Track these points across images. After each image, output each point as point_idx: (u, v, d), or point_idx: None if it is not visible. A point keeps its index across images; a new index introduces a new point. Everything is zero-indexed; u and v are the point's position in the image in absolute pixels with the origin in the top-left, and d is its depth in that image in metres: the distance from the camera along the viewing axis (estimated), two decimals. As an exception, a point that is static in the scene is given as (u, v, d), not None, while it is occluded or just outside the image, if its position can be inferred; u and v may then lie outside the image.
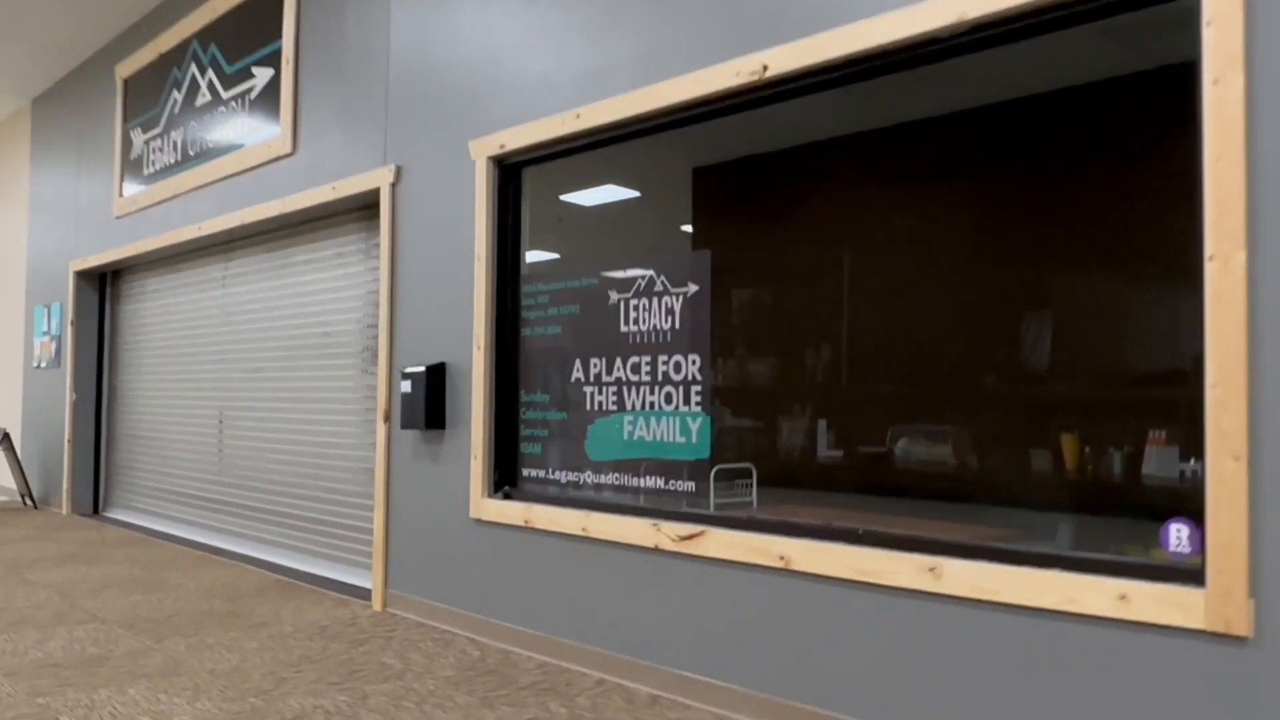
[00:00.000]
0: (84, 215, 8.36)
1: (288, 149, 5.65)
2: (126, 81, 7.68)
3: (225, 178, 6.31)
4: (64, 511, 8.40)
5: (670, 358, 3.61)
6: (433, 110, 4.64)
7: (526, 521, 4.03)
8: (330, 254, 5.79)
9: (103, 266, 8.11)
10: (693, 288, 3.56)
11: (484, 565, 4.26)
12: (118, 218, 7.77)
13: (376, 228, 5.41)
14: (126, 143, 7.64)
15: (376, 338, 5.38)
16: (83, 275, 8.46)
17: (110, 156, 7.96)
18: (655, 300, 3.68)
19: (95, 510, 8.51)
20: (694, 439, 3.53)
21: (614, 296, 3.83)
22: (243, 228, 6.20)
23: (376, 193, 5.07)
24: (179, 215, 6.88)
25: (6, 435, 8.57)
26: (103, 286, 8.56)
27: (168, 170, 7.01)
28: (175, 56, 6.98)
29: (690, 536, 3.39)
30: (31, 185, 9.56)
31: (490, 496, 4.26)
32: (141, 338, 7.99)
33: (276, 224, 6.06)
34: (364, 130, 5.09)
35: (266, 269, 6.39)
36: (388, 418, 4.83)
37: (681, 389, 3.57)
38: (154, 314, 7.80)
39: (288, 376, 6.13)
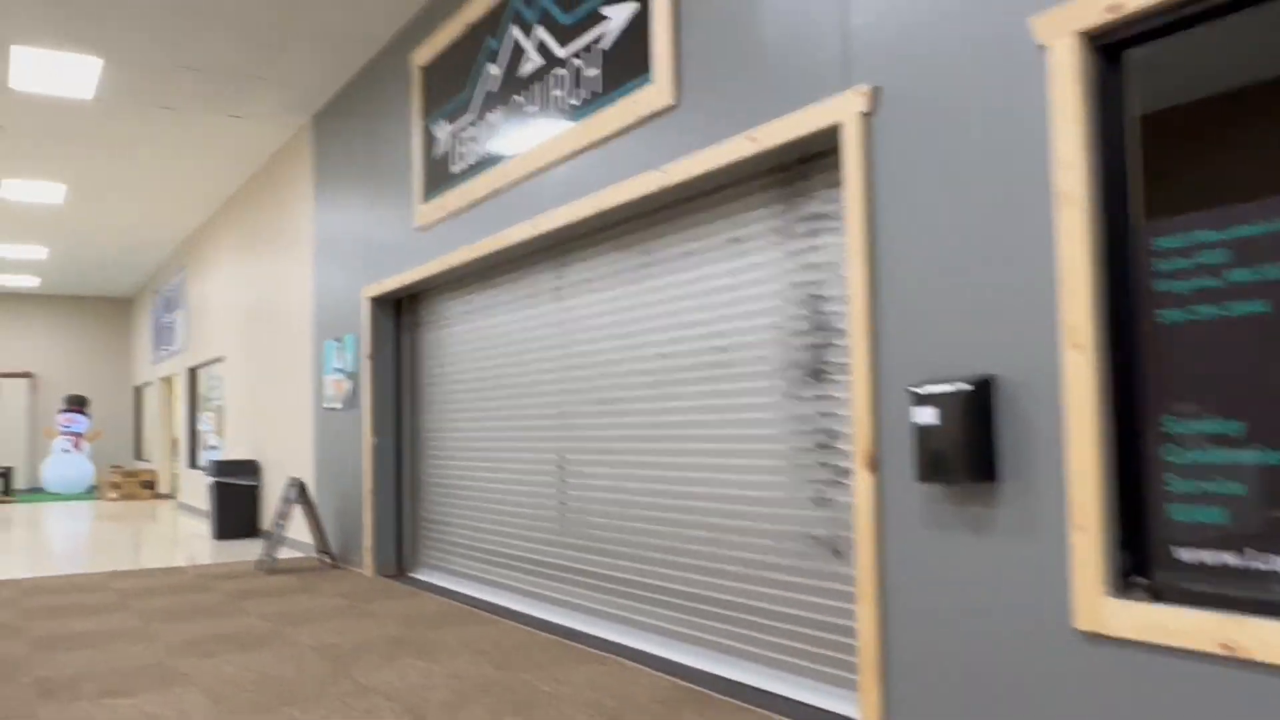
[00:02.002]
0: (378, 233, 7.32)
1: (667, 101, 4.18)
2: (425, 69, 6.55)
3: (567, 157, 4.95)
4: (367, 572, 7.34)
5: None
6: (941, -12, 3.01)
7: (1227, 646, 2.28)
8: (722, 239, 4.28)
9: (404, 289, 7.01)
10: None
11: (1111, 713, 2.53)
12: (420, 229, 6.63)
13: (808, 191, 3.84)
14: (428, 140, 6.50)
15: (815, 347, 3.79)
16: (378, 302, 7.41)
17: (408, 160, 6.85)
18: None
19: (399, 570, 7.40)
20: None
21: None
22: (596, 218, 4.80)
23: (827, 135, 3.49)
24: (501, 215, 5.60)
25: (303, 486, 7.62)
26: (397, 314, 7.50)
27: (484, 163, 5.76)
28: (488, 23, 5.73)
29: None
30: (317, 208, 8.71)
31: (1119, 595, 2.54)
32: (448, 369, 6.81)
33: (643, 207, 4.62)
34: (798, 44, 3.53)
35: (621, 271, 4.96)
36: (875, 465, 3.20)
37: None
38: (463, 340, 6.60)
39: (660, 409, 4.66)
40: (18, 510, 14.49)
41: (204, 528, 11.35)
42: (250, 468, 10.23)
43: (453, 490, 6.71)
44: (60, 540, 10.35)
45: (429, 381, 7.09)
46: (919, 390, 2.94)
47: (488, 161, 5.71)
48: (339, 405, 7.98)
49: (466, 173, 5.96)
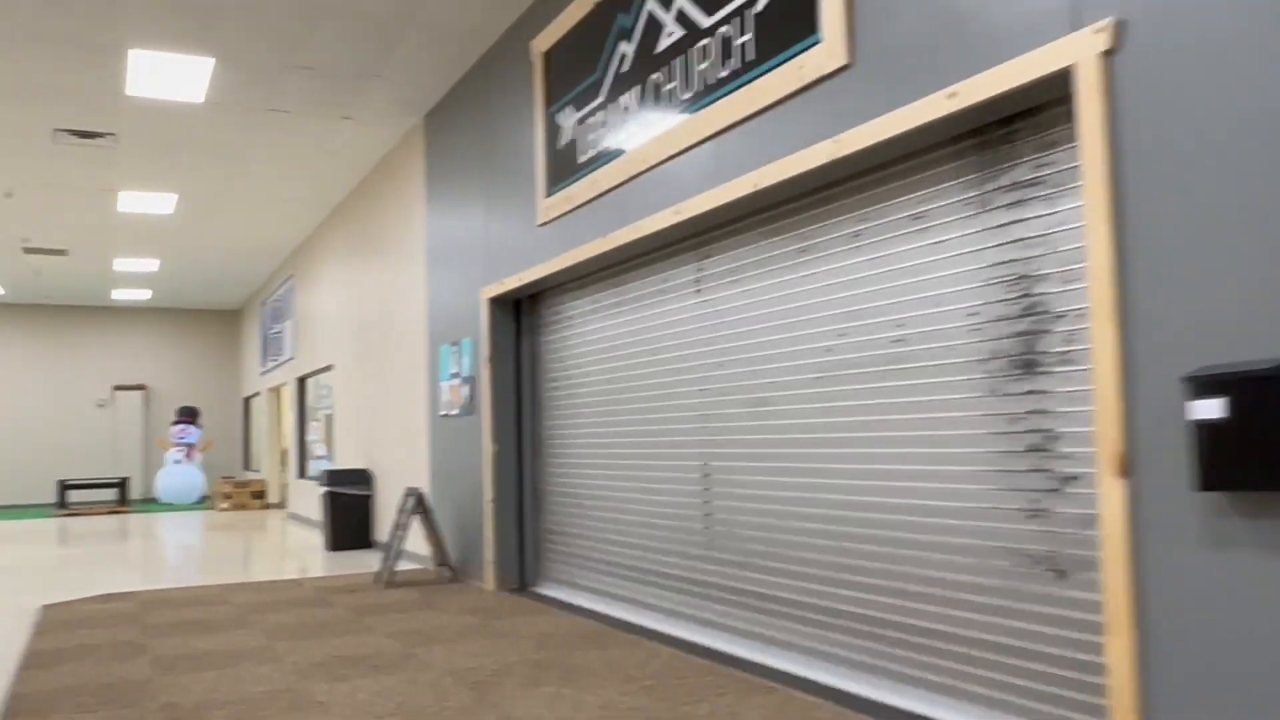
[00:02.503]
0: (496, 232, 7.00)
1: (840, 60, 3.72)
2: (547, 55, 6.20)
3: (715, 135, 4.52)
4: (488, 586, 7.00)
5: None
6: (1212, -106, 2.50)
7: None
8: (903, 217, 3.79)
9: (525, 288, 6.67)
10: None
11: None
12: (542, 225, 6.28)
13: (1014, 155, 3.34)
14: (551, 131, 6.14)
15: (1025, 334, 3.28)
16: (497, 303, 7.09)
17: (529, 154, 6.51)
18: None
19: (522, 585, 7.05)
20: None
21: None
22: (749, 200, 4.36)
23: (1053, 83, 2.99)
24: (635, 204, 5.20)
25: (421, 496, 7.33)
26: (517, 315, 7.16)
27: (616, 150, 5.37)
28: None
29: None
30: (429, 210, 8.45)
31: None
32: (573, 372, 6.43)
33: (806, 185, 4.16)
34: (1014, -14, 3.04)
35: (774, 258, 4.51)
36: (1127, 469, 2.69)
37: None
38: (589, 341, 6.22)
39: (824, 409, 4.19)
40: (133, 520, 14.65)
41: (316, 538, 11.22)
42: (363, 477, 10.04)
43: (579, 500, 6.33)
44: (176, 551, 10.30)
45: (552, 385, 6.73)
46: (1203, 377, 2.42)
47: (620, 148, 5.32)
48: (456, 412, 7.68)
49: (595, 161, 5.58)
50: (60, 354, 19.26)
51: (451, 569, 7.53)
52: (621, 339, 5.84)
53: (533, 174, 6.43)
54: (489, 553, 6.98)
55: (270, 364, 16.43)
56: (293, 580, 7.72)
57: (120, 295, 18.00)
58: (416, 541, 8.63)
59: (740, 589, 4.74)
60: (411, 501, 7.38)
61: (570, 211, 5.89)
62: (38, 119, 8.36)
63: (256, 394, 18.37)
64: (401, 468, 9.19)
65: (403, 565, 8.58)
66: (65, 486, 16.37)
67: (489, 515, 6.99)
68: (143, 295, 18.11)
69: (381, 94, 8.01)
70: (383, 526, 9.76)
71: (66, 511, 16.10)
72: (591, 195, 5.60)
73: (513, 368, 7.11)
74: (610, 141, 5.43)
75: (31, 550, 10.63)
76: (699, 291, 5.09)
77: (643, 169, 5.08)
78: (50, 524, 14.29)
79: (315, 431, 13.84)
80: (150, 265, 15.07)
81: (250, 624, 5.84)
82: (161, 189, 10.70)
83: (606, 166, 5.44)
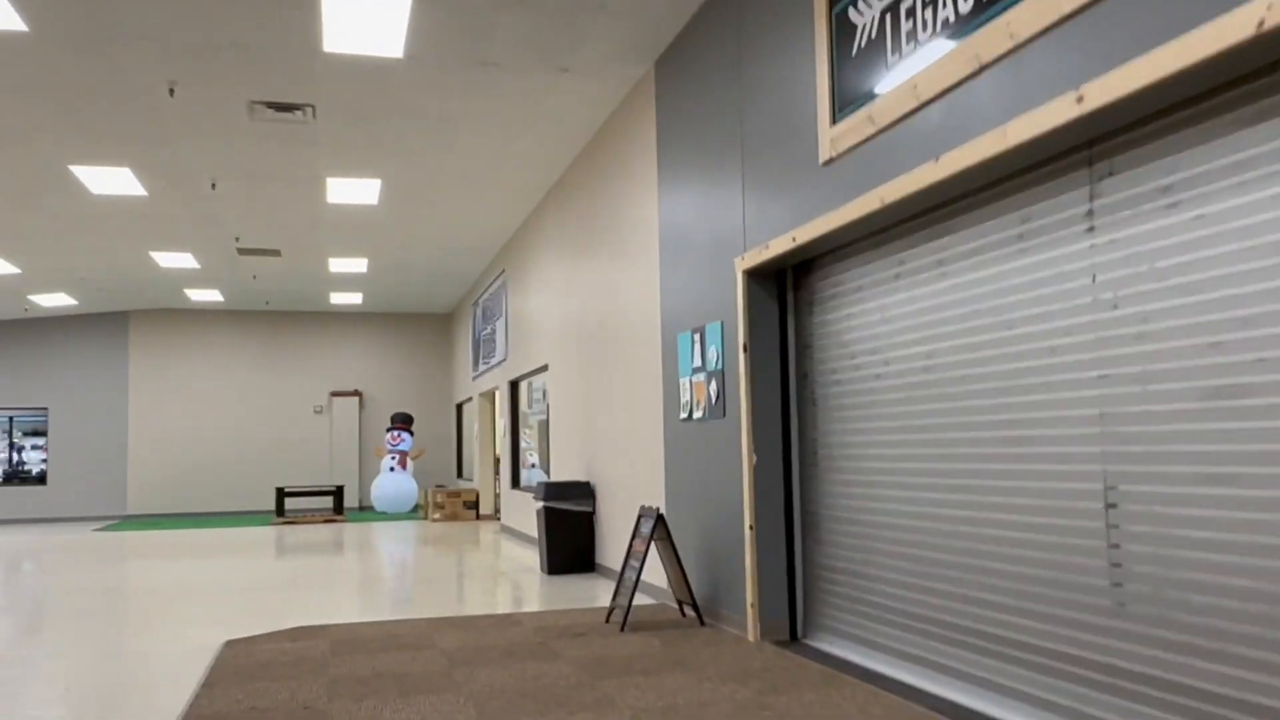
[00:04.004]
0: (755, 186, 5.50)
1: None
2: (831, -64, 4.64)
3: (1157, -35, 2.84)
4: (748, 636, 5.48)
5: None
6: None
7: None
8: None
9: (797, 252, 5.12)
10: None
11: None
12: (826, 164, 4.72)
13: None
14: (840, 34, 4.58)
15: None
16: (755, 276, 5.58)
17: (805, 74, 4.97)
18: None
19: (792, 635, 5.49)
20: None
21: None
22: (1232, 55, 2.64)
23: None
24: (989, 106, 3.56)
25: (660, 518, 5.90)
26: (781, 291, 5.63)
27: (952, 31, 3.75)
28: None
29: None
30: (662, 173, 7.05)
31: None
32: (862, 361, 4.84)
33: (1369, 11, 2.42)
34: None
35: (1254, 160, 2.78)
36: None
37: None
38: (891, 318, 4.60)
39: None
40: (347, 530, 14.06)
41: (532, 557, 10.06)
42: (584, 491, 8.75)
43: (874, 531, 4.72)
44: (383, 568, 9.33)
45: (832, 379, 5.15)
46: None
47: (959, 28, 3.69)
48: (700, 414, 6.22)
49: (907, 59, 3.97)
50: (278, 360, 19.20)
51: (695, 608, 6.06)
52: (946, 310, 4.20)
53: (811, 99, 4.89)
54: (750, 593, 5.47)
55: (482, 367, 15.60)
56: (508, 616, 6.46)
57: (337, 299, 17.68)
58: (652, 571, 7.22)
59: (1191, 688, 3.01)
60: (649, 524, 5.97)
61: (872, 137, 4.31)
62: (232, 91, 7.51)
63: (469, 399, 17.66)
64: (628, 481, 7.82)
65: (636, 599, 7.19)
66: (283, 494, 16.08)
67: (749, 545, 5.48)
68: (355, 299, 17.73)
69: (605, 33, 6.66)
70: (606, 548, 8.43)
71: (283, 520, 15.77)
72: (909, 108, 3.99)
73: (776, 357, 5.58)
74: (940, 24, 3.81)
75: (238, 564, 9.94)
76: (1092, 229, 3.40)
77: (1005, 50, 3.44)
78: (266, 533, 13.87)
79: (528, 438, 12.80)
80: (359, 265, 14.48)
81: (458, 684, 4.55)
82: (363, 172, 9.80)
83: (935, 62, 3.82)
